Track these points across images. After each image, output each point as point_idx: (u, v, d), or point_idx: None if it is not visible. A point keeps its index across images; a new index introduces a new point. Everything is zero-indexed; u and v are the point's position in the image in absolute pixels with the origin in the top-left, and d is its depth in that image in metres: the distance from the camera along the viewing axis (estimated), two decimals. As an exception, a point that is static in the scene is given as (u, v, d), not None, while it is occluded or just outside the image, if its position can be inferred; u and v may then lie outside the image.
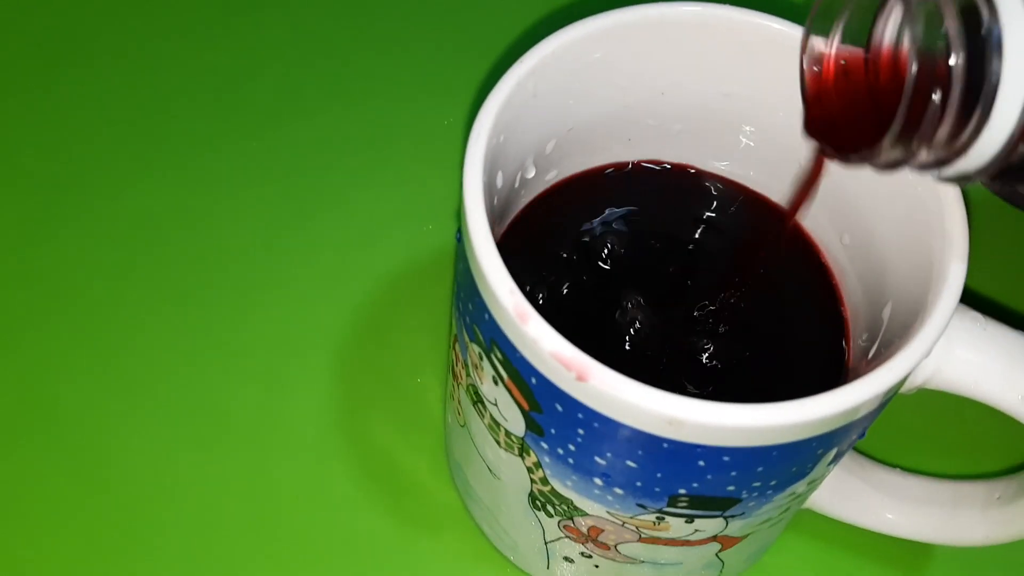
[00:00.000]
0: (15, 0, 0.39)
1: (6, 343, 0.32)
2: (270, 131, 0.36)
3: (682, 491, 0.21)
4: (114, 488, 0.30)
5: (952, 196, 0.22)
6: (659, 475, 0.21)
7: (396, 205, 0.35)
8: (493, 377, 0.22)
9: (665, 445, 0.20)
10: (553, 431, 0.21)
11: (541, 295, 0.25)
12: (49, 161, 0.35)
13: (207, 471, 0.31)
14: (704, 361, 0.25)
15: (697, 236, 0.27)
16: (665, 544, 0.24)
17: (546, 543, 0.26)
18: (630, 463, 0.21)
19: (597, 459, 0.21)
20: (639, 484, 0.21)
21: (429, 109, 0.37)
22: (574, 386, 0.19)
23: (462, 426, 0.26)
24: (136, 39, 0.38)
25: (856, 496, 0.28)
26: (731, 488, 0.21)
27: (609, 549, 0.25)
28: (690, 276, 0.26)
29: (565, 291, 0.25)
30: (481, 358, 0.22)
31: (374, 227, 0.35)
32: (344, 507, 0.30)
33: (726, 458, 0.20)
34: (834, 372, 0.24)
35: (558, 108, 0.24)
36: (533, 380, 0.20)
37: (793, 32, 0.24)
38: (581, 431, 0.21)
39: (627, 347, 0.25)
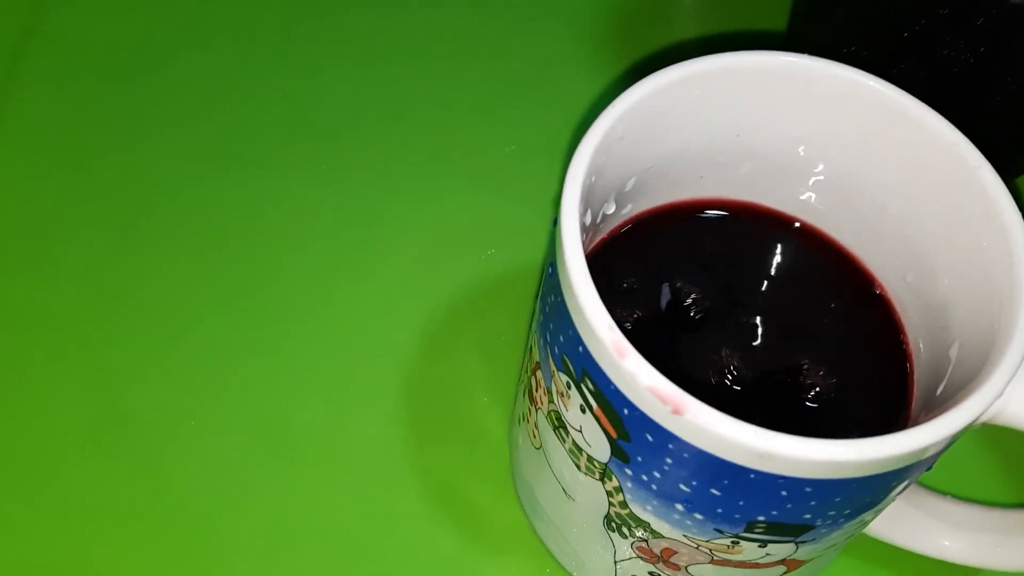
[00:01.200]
0: (94, 26, 0.40)
1: (80, 356, 0.33)
2: (335, 154, 0.38)
3: (761, 518, 0.22)
4: (182, 501, 0.31)
5: (1020, 240, 0.23)
6: (741, 503, 0.22)
7: (457, 229, 0.36)
8: (581, 406, 0.23)
9: (751, 476, 0.21)
10: (640, 459, 0.22)
11: (624, 324, 0.26)
12: (121, 178, 0.37)
13: (273, 487, 0.32)
14: (772, 395, 0.26)
15: (764, 273, 0.28)
16: (735, 567, 0.25)
17: (615, 562, 0.27)
18: (714, 491, 0.22)
19: (681, 486, 0.22)
20: (720, 511, 0.22)
21: (492, 136, 0.38)
22: (668, 419, 0.21)
23: (537, 448, 0.27)
24: (214, 66, 0.40)
25: (910, 522, 0.29)
26: (807, 516, 0.22)
27: (679, 570, 0.26)
28: (758, 312, 0.27)
29: (640, 322, 0.26)
30: (569, 387, 0.23)
31: (436, 251, 0.36)
32: (409, 523, 0.31)
33: (808, 489, 0.21)
34: (898, 407, 0.26)
35: (640, 149, 0.25)
36: (625, 411, 0.22)
37: (863, 80, 0.25)
38: (669, 460, 0.22)
39: (695, 378, 0.26)
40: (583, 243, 0.24)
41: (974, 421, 0.21)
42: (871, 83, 0.25)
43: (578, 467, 0.25)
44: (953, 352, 0.24)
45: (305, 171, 0.37)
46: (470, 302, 0.35)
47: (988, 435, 0.27)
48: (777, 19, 0.40)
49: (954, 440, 0.22)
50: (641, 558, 0.26)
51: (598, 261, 0.27)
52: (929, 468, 0.24)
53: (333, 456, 0.32)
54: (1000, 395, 0.21)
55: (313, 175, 0.37)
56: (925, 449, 0.21)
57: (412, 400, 0.33)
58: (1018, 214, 0.23)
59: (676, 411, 0.20)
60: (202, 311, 0.34)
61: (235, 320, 0.34)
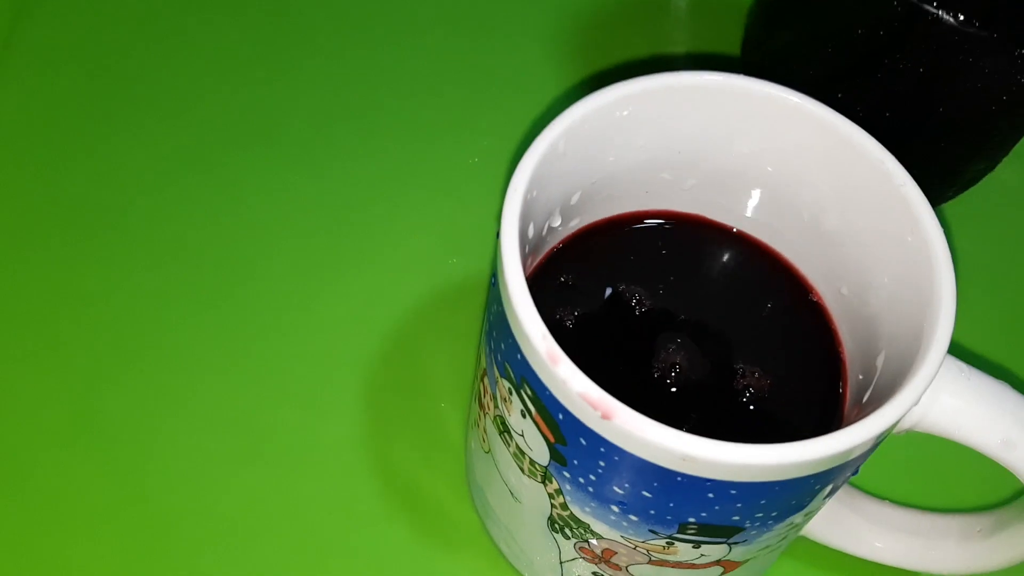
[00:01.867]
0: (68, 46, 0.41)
1: (52, 357, 0.34)
2: (304, 162, 0.39)
3: (691, 519, 0.23)
4: (149, 499, 0.32)
5: (942, 256, 0.24)
6: (671, 504, 0.23)
7: (423, 239, 0.37)
8: (521, 411, 0.24)
9: (679, 478, 0.22)
10: (576, 462, 0.23)
11: (563, 333, 0.27)
12: (95, 177, 0.38)
13: (238, 485, 0.33)
14: (712, 400, 0.27)
15: (705, 281, 0.29)
16: (673, 567, 0.26)
17: (561, 563, 0.28)
18: (646, 493, 0.23)
19: (615, 488, 0.23)
20: (653, 512, 0.24)
21: (456, 148, 0.39)
22: (599, 423, 0.22)
23: (486, 452, 0.28)
24: (187, 85, 0.40)
25: (847, 525, 0.30)
26: (736, 518, 0.23)
27: (620, 570, 0.27)
28: (699, 318, 0.28)
29: (582, 331, 0.27)
30: (511, 393, 0.24)
31: (401, 260, 0.37)
32: (368, 524, 0.32)
33: (733, 491, 0.22)
34: (832, 413, 0.27)
35: (584, 164, 0.26)
36: (560, 416, 0.23)
37: (795, 100, 0.26)
38: (602, 463, 0.23)
39: (639, 383, 0.27)
40: (526, 256, 0.25)
41: (891, 428, 0.22)
42: (803, 102, 0.26)
43: (522, 470, 0.26)
44: (879, 362, 0.25)
45: (275, 177, 0.38)
46: (433, 310, 0.36)
47: (921, 442, 0.28)
48: (736, 40, 0.41)
49: (875, 446, 0.23)
50: (584, 558, 0.27)
51: (545, 272, 0.28)
52: (855, 472, 0.25)
53: (296, 456, 0.33)
54: (916, 403, 0.22)
55: (283, 182, 0.38)
56: (843, 454, 0.22)
57: (375, 404, 0.34)
58: (940, 230, 0.24)
59: (605, 416, 0.21)
60: (170, 314, 0.35)
61: (203, 323, 0.35)
